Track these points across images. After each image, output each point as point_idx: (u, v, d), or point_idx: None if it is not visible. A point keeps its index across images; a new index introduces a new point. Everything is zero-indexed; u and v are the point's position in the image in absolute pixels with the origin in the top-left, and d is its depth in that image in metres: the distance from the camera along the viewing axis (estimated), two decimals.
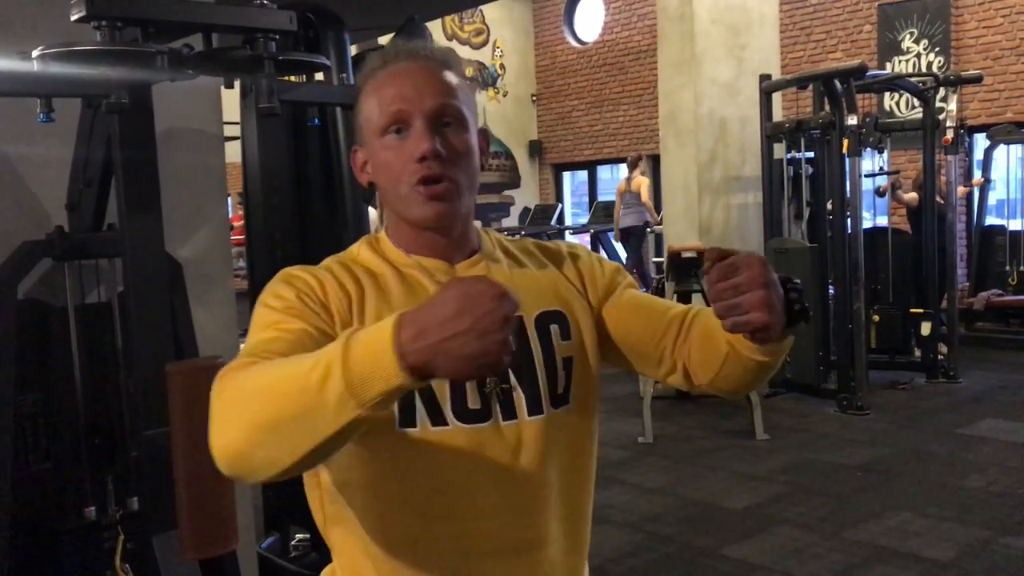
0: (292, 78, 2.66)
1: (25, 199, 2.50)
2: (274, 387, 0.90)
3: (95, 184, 2.31)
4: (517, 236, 1.36)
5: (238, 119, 3.16)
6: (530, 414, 1.15)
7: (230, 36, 2.03)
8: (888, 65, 9.52)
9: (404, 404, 1.09)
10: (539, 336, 1.18)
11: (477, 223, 1.25)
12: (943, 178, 7.09)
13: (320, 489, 1.18)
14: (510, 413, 1.14)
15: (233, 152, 3.22)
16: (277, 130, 3.09)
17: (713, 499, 4.51)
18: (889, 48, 9.71)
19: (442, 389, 1.11)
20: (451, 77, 1.16)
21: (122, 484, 2.44)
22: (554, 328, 1.20)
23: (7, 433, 2.29)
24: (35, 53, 1.78)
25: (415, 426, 1.10)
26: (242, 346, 1.09)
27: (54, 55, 1.74)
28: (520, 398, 1.15)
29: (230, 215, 4.90)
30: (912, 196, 7.58)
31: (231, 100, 2.89)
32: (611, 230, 10.81)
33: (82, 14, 1.78)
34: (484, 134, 1.20)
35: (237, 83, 2.30)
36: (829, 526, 4.06)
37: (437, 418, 1.11)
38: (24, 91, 1.87)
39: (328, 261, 1.20)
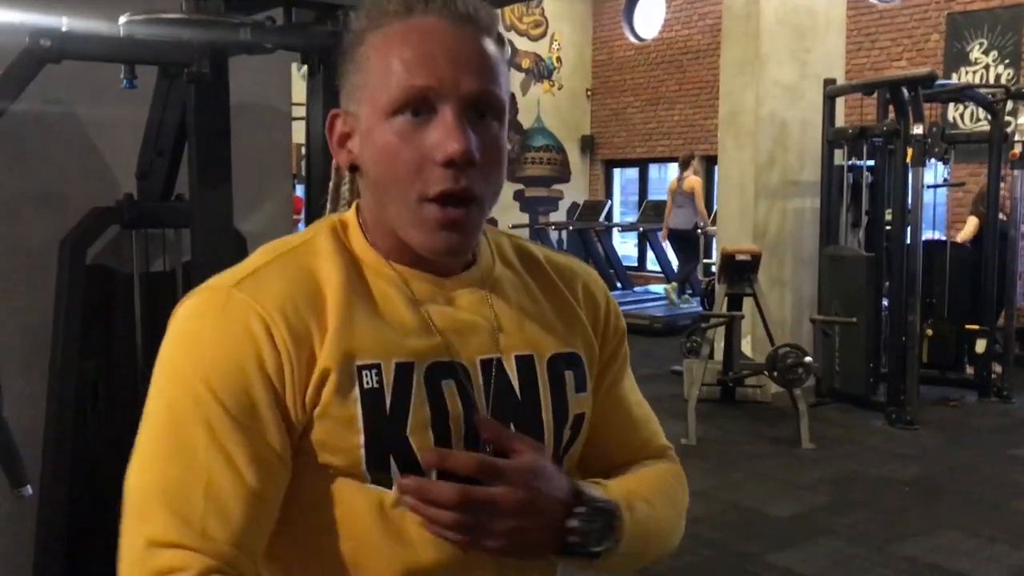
0: None
1: (96, 166, 2.53)
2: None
3: (167, 154, 2.33)
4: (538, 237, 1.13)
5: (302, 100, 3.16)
6: None
7: (309, 11, 2.04)
8: (954, 76, 9.31)
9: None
10: (551, 384, 0.95)
11: None
12: (1006, 194, 6.93)
13: None
14: None
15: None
16: None
17: (756, 505, 4.45)
18: (956, 58, 9.50)
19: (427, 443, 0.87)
20: (493, 49, 0.86)
21: None
22: (568, 376, 0.96)
23: (70, 397, 2.33)
24: (122, 20, 1.79)
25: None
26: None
27: (140, 22, 1.75)
28: None
29: None
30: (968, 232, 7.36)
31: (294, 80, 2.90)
32: (660, 229, 10.70)
33: None
34: (513, 126, 0.93)
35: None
36: (876, 540, 3.98)
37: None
38: (111, 56, 1.89)
39: (275, 267, 0.88)
